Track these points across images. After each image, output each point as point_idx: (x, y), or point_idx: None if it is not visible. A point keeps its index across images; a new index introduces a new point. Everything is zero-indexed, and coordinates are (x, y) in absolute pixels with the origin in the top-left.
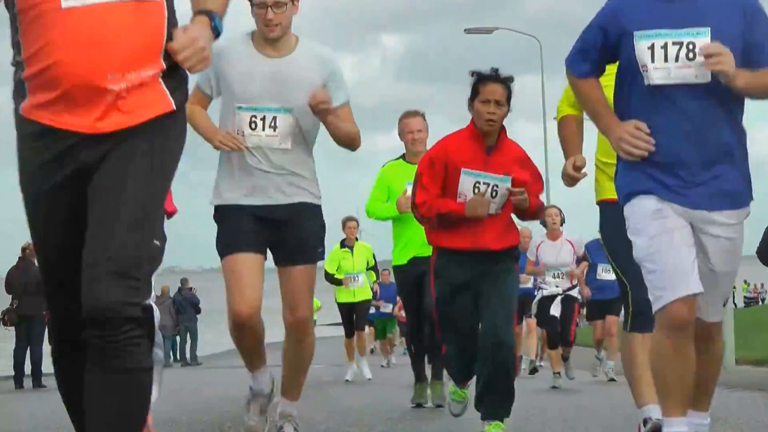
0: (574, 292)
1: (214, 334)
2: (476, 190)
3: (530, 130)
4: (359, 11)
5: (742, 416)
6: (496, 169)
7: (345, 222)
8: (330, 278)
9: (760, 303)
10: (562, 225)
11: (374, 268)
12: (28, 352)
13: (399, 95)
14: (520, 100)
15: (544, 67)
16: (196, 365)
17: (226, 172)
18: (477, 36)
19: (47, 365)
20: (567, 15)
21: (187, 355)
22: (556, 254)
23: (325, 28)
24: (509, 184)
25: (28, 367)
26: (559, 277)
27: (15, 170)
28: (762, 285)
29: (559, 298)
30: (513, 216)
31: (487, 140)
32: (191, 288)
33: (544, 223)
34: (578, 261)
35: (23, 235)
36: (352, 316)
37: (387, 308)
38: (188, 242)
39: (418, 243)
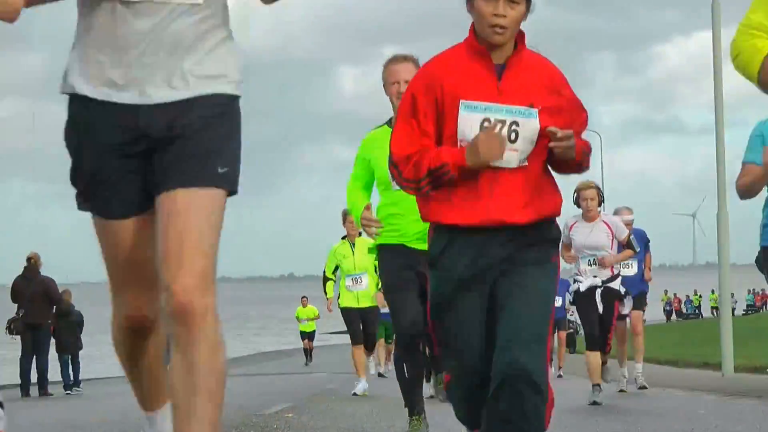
0: (615, 284)
1: None
2: None
3: None
4: (360, 25)
5: (740, 424)
6: (515, 97)
7: (345, 215)
8: (324, 284)
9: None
10: (600, 206)
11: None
12: (34, 360)
13: None
14: None
15: None
16: None
17: (86, 41)
18: None
19: (53, 373)
20: (563, 26)
21: None
22: (590, 235)
23: (326, 42)
24: (537, 121)
25: (34, 376)
26: (595, 264)
27: (19, 180)
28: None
29: (599, 291)
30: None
31: (495, 55)
32: None
33: (578, 204)
34: (619, 249)
35: (28, 245)
36: (359, 323)
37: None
38: None
39: (409, 235)
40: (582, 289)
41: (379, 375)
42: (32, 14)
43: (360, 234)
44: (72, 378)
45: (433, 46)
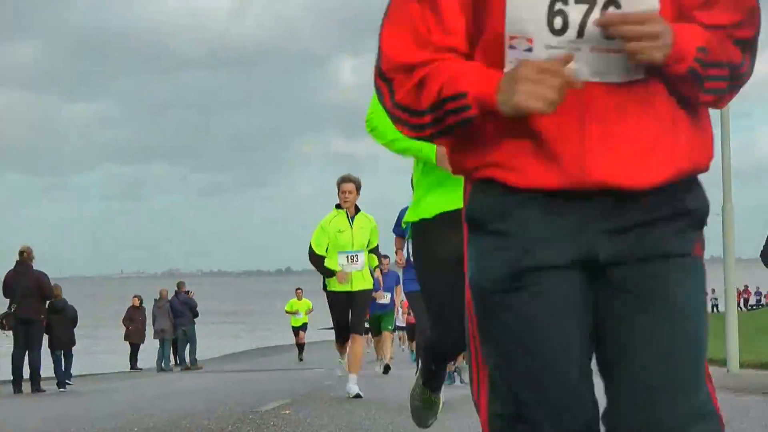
0: None
1: (213, 339)
2: (554, 24)
3: None
4: (359, 14)
5: (746, 419)
6: None
7: (339, 184)
8: (317, 262)
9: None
10: None
11: (376, 251)
12: (26, 356)
13: None
14: None
15: None
16: (196, 369)
17: None
18: None
19: (46, 369)
20: None
21: (187, 359)
22: None
23: (325, 32)
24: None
25: (27, 372)
26: None
27: (15, 174)
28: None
29: None
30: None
31: None
32: (188, 291)
33: None
34: None
35: (20, 239)
36: (347, 310)
37: (385, 299)
38: (187, 245)
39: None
40: None
41: (386, 370)
42: (24, 6)
43: (359, 210)
44: (63, 373)
45: None
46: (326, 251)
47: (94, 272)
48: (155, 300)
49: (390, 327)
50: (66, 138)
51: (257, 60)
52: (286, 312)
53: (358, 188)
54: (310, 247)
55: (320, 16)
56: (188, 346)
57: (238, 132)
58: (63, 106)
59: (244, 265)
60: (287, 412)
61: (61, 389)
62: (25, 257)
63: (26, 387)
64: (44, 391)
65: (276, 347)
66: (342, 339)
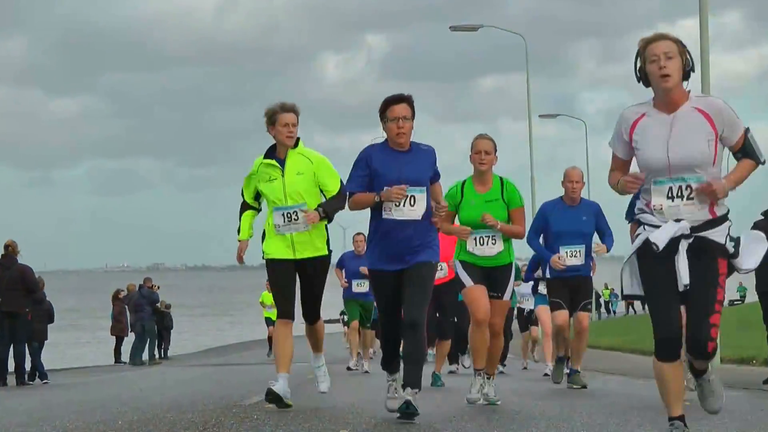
0: (718, 234)
1: (197, 332)
2: None
3: (515, 128)
4: (343, 10)
5: (727, 415)
6: None
7: (272, 113)
8: (239, 214)
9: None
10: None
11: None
12: (11, 349)
13: (384, 94)
14: (505, 98)
15: (528, 65)
16: (154, 363)
17: None
18: (462, 34)
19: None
20: (548, 13)
21: (152, 354)
22: (676, 135)
23: (310, 28)
24: None
25: (12, 365)
26: (681, 197)
27: (1, 168)
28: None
29: (686, 245)
30: None
31: None
32: (152, 286)
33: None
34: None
35: (5, 232)
36: (291, 284)
37: (363, 287)
38: (172, 240)
39: None
40: (656, 241)
41: (348, 369)
42: (11, 1)
43: (298, 141)
44: (29, 368)
45: (415, 32)
46: (256, 201)
47: (79, 266)
48: (124, 296)
49: (368, 325)
50: (52, 132)
51: (242, 56)
52: (261, 304)
53: (298, 118)
54: (243, 200)
55: (305, 13)
56: (159, 341)
57: (223, 127)
58: (49, 101)
59: (227, 260)
60: (270, 406)
61: (45, 381)
62: (10, 251)
63: (11, 380)
64: (30, 384)
65: (259, 341)
66: (283, 317)
